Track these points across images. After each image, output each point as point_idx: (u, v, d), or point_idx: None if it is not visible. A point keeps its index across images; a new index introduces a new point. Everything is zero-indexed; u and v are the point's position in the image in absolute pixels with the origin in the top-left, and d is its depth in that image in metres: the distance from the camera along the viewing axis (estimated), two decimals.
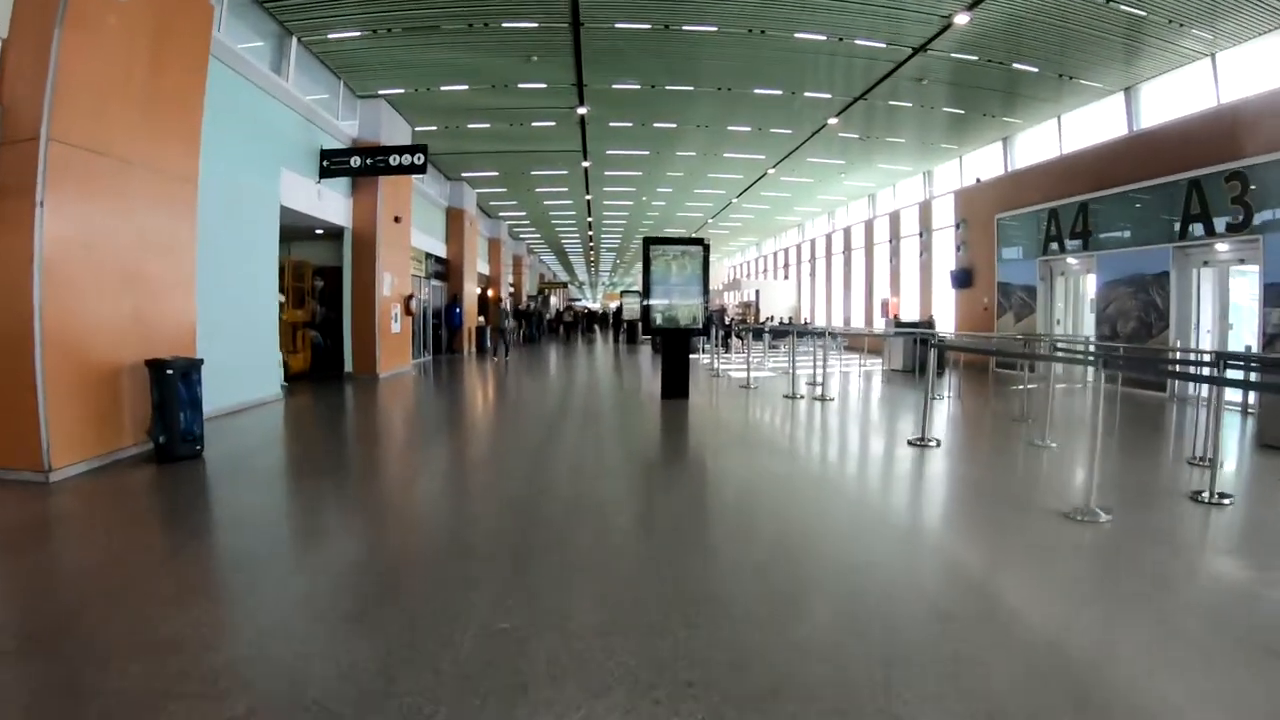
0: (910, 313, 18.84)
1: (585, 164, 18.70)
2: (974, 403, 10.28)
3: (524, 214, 28.26)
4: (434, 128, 14.87)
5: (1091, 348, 10.84)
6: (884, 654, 2.61)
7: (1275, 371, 6.76)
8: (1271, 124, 8.98)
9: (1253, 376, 6.38)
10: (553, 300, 43.72)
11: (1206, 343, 10.18)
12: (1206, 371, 6.62)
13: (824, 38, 10.44)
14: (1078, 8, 9.08)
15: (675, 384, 9.89)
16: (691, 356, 11.34)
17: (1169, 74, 11.25)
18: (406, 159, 11.87)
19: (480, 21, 9.92)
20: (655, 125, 15.42)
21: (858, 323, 23.25)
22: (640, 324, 14.05)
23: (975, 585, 3.34)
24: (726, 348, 19.97)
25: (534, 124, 15.16)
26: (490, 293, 24.95)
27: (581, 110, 13.84)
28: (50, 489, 4.94)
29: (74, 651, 2.60)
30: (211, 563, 3.76)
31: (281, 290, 11.03)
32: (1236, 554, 3.95)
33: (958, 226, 16.70)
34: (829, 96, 13.23)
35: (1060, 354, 9.10)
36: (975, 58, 11.03)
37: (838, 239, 25.38)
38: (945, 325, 16.70)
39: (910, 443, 6.68)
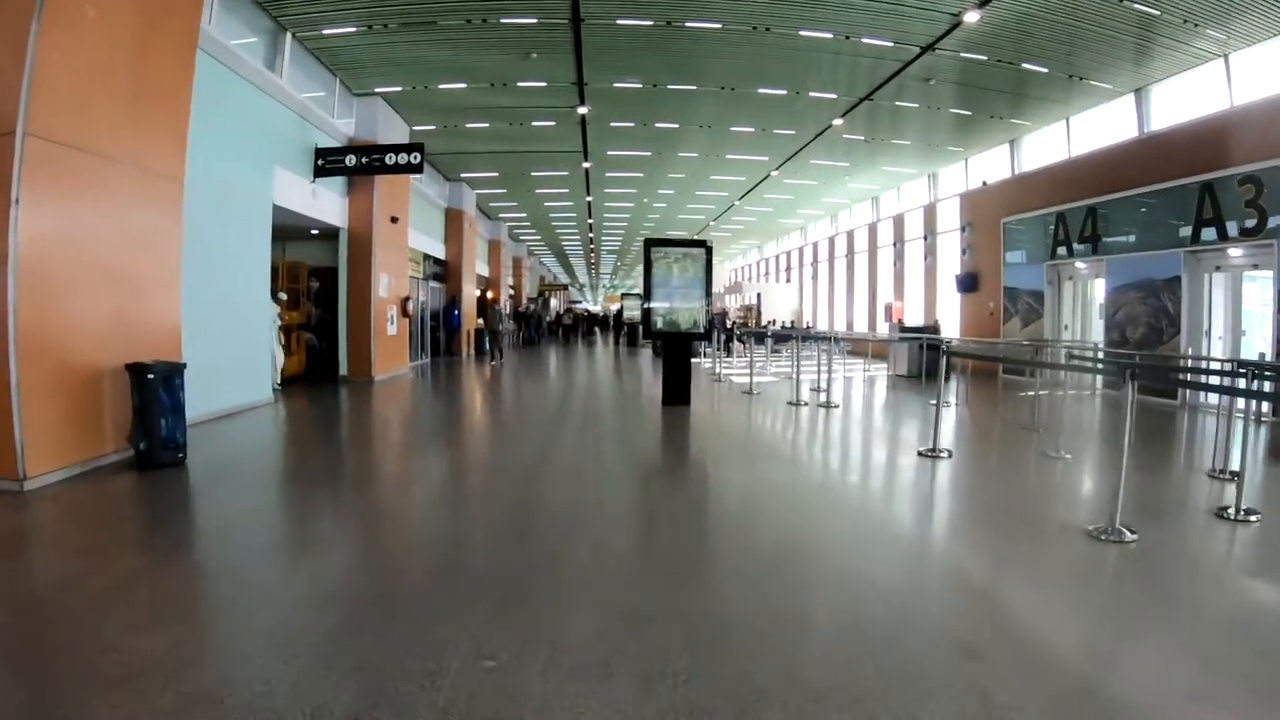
0: (914, 317, 18.62)
1: (586, 165, 18.49)
2: (982, 410, 10.06)
3: (524, 215, 28.07)
4: (432, 127, 14.65)
5: (1102, 354, 10.66)
6: (908, 703, 2.35)
7: None
8: None
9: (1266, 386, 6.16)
10: (553, 302, 43.47)
11: (1218, 350, 9.98)
12: (1231, 382, 6.37)
13: (830, 35, 10.23)
14: (1090, 6, 8.87)
15: (676, 390, 9.64)
16: (693, 361, 11.12)
17: (1181, 75, 11.05)
18: (403, 158, 11.66)
19: (478, 17, 9.71)
20: (657, 125, 15.21)
21: (860, 327, 23.04)
22: (641, 327, 13.81)
23: (1005, 618, 3.08)
24: (728, 351, 19.78)
25: (534, 123, 14.96)
26: (489, 294, 24.75)
27: (582, 110, 13.63)
28: (25, 498, 4.73)
29: (25, 680, 2.37)
30: (180, 582, 3.53)
31: (278, 291, 10.83)
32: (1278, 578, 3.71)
33: (963, 230, 16.50)
34: (834, 97, 13.02)
35: (1077, 362, 8.87)
36: (984, 57, 10.83)
37: (841, 242, 25.18)
38: (950, 330, 16.50)
39: (921, 454, 6.45)
